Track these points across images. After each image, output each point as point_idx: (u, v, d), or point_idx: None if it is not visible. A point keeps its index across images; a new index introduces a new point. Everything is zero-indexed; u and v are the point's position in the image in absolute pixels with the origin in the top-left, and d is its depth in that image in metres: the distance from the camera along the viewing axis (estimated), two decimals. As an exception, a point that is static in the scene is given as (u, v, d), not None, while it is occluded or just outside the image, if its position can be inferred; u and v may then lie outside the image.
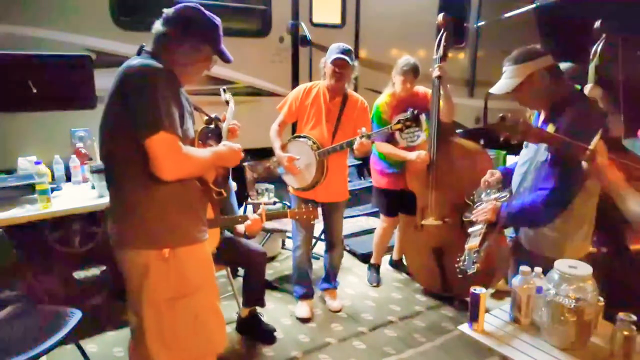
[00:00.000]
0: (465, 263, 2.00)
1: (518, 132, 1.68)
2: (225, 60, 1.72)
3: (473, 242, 2.02)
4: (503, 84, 1.90)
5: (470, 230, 2.11)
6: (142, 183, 1.57)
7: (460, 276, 2.04)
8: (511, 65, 1.88)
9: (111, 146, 1.61)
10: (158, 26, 1.63)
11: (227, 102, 2.07)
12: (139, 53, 1.65)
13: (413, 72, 3.12)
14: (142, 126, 1.49)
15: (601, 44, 3.04)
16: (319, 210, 3.08)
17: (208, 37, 1.66)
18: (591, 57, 3.01)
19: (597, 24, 3.16)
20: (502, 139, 1.74)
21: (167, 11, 1.63)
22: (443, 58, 3.02)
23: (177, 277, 1.65)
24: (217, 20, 1.69)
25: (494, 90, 1.93)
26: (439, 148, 3.03)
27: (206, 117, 1.91)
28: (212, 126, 1.91)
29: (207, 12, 1.66)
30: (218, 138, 1.87)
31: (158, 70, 1.53)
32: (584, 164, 1.57)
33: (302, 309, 3.10)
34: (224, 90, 2.15)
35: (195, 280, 1.70)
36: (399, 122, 2.74)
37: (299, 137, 2.92)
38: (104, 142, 1.64)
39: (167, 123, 1.49)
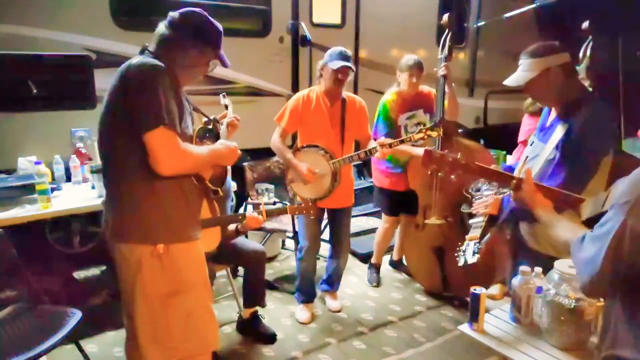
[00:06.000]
0: (466, 253, 2.02)
1: (447, 165, 1.72)
2: (224, 65, 1.78)
3: (474, 234, 2.04)
4: (518, 77, 1.90)
5: (471, 222, 2.12)
6: (140, 178, 1.59)
7: (460, 265, 2.05)
8: (528, 59, 1.88)
9: (111, 141, 1.63)
10: (162, 28, 1.67)
11: (226, 107, 2.10)
12: (141, 53, 1.68)
13: (418, 67, 3.11)
14: (142, 121, 1.52)
15: (589, 45, 3.06)
16: (325, 214, 3.09)
17: (212, 43, 1.72)
18: (580, 58, 3.02)
19: (585, 24, 3.16)
20: (429, 172, 1.80)
21: (173, 14, 1.67)
22: (448, 57, 3.02)
23: (170, 274, 1.66)
24: (220, 27, 1.75)
25: (508, 82, 1.92)
26: (442, 147, 3.02)
27: (205, 119, 1.94)
28: (210, 127, 1.93)
29: (211, 19, 1.72)
30: (215, 139, 1.89)
31: (159, 68, 1.56)
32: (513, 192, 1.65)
33: (304, 313, 3.09)
34: (224, 95, 2.18)
35: (188, 279, 1.71)
36: (420, 130, 2.67)
37: (309, 146, 2.86)
38: (103, 138, 1.66)
39: (166, 119, 1.53)
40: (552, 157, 1.87)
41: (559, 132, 1.86)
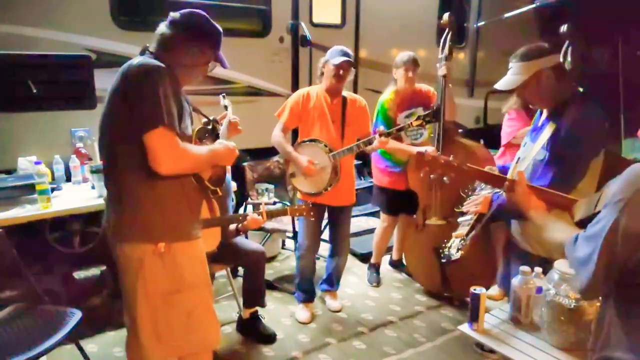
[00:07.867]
0: (450, 250, 2.03)
1: (439, 167, 1.74)
2: (223, 66, 1.80)
3: (461, 231, 2.05)
4: (509, 80, 1.89)
5: (460, 220, 2.13)
6: (140, 178, 1.60)
7: (443, 261, 2.06)
8: (518, 62, 1.87)
9: (112, 142, 1.64)
10: (163, 28, 1.69)
11: (226, 107, 2.11)
12: (142, 53, 1.69)
13: (413, 62, 3.13)
14: (142, 121, 1.53)
15: (569, 48, 3.06)
16: (326, 213, 3.09)
17: (212, 43, 1.74)
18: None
19: (563, 28, 3.17)
20: (422, 174, 1.83)
21: (174, 15, 1.69)
22: (448, 57, 3.02)
23: (172, 272, 1.67)
24: (220, 27, 1.76)
25: (498, 85, 1.92)
26: (443, 147, 3.02)
27: (204, 119, 1.94)
28: (210, 127, 1.93)
29: (211, 20, 1.74)
30: (214, 139, 1.90)
31: (159, 68, 1.57)
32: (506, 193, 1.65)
33: (303, 313, 3.09)
34: (223, 96, 2.19)
35: (189, 277, 1.72)
36: (418, 117, 2.70)
37: (309, 140, 2.88)
38: (104, 138, 1.67)
39: (166, 119, 1.54)
40: (542, 157, 1.87)
41: (547, 132, 1.86)
